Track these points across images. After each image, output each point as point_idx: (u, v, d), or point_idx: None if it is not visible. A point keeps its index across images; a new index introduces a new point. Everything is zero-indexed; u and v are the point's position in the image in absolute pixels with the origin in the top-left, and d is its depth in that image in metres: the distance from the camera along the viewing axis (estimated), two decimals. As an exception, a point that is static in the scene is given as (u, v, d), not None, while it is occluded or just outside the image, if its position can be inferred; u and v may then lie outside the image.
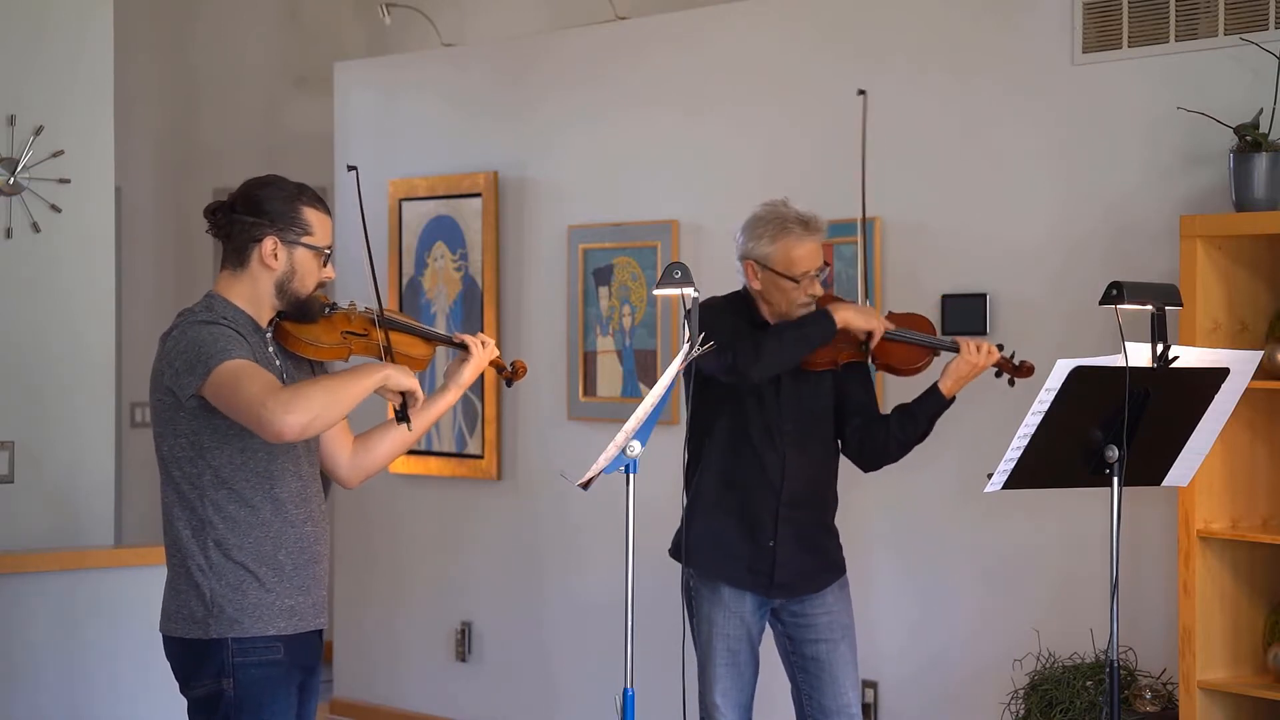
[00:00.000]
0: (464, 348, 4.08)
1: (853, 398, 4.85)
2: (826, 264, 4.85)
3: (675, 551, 4.88)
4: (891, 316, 4.87)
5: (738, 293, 4.91)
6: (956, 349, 4.77)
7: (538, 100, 7.21)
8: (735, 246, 4.86)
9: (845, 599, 4.91)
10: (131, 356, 8.52)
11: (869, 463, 4.92)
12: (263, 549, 3.82)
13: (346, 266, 4.08)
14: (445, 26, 7.94)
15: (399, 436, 4.06)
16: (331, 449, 4.06)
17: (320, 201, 3.93)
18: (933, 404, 4.78)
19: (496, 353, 4.11)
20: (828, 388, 4.85)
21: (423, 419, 4.01)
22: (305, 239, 3.87)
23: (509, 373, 4.16)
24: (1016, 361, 4.80)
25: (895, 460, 4.90)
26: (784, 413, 4.80)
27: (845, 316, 4.70)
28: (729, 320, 4.78)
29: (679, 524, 4.88)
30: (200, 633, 3.80)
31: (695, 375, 4.81)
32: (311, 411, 3.63)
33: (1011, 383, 4.81)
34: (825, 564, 4.89)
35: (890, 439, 4.82)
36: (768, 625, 4.91)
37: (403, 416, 3.88)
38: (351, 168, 4.13)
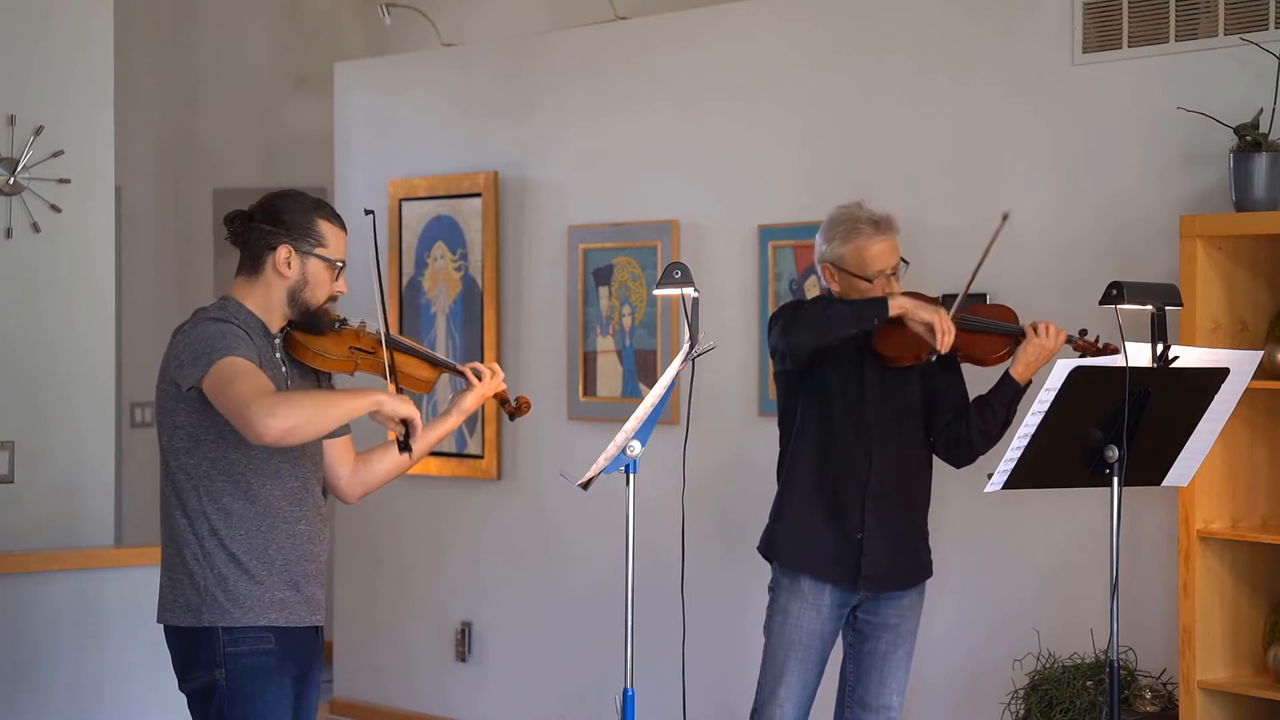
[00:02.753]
0: (451, 369, 4.14)
1: (941, 395, 4.86)
2: (905, 261, 4.85)
3: (764, 548, 4.94)
4: (976, 308, 4.84)
5: (821, 297, 4.95)
6: (1022, 333, 4.74)
7: (538, 100, 7.22)
8: (814, 251, 4.89)
9: (919, 605, 4.94)
10: (131, 356, 8.52)
11: (957, 458, 4.91)
12: (254, 543, 3.87)
13: (351, 283, 4.08)
14: (445, 26, 7.94)
15: (399, 459, 4.12)
16: (333, 463, 4.12)
17: (337, 217, 4.01)
18: (1007, 391, 4.77)
19: (503, 386, 4.15)
20: (915, 384, 4.85)
21: (422, 443, 4.07)
22: (319, 250, 3.94)
23: (512, 407, 4.20)
24: (1100, 344, 4.70)
25: (983, 452, 4.87)
26: (869, 407, 4.82)
27: (902, 303, 4.65)
28: (803, 307, 4.84)
29: (768, 520, 4.94)
30: (193, 620, 3.86)
31: (782, 373, 4.84)
32: (294, 420, 3.67)
33: None
34: (913, 564, 4.91)
35: (972, 431, 4.82)
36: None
37: (405, 446, 3.94)
38: (369, 212, 4.15)
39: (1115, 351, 4.46)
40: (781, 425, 4.94)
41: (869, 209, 4.83)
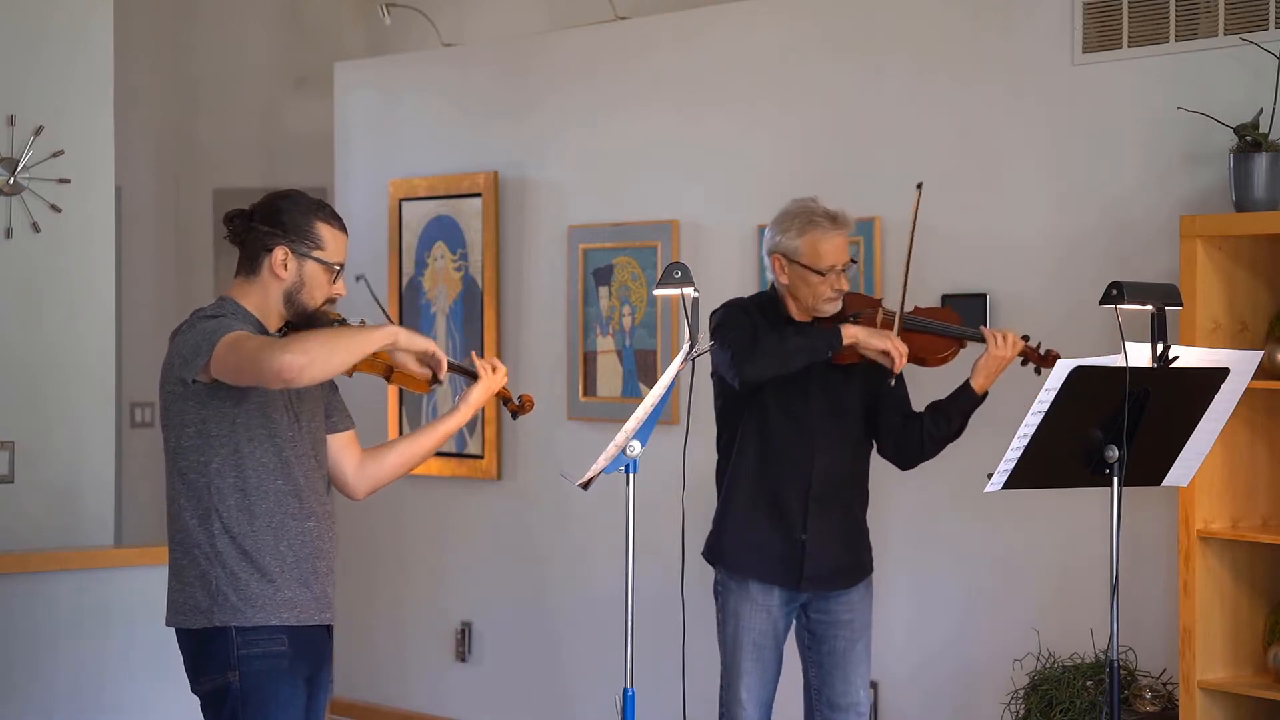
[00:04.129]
0: (468, 373, 4.14)
1: (886, 395, 4.86)
2: (853, 261, 4.87)
3: (709, 554, 4.94)
4: (918, 310, 4.89)
5: (764, 293, 4.96)
6: (982, 339, 4.80)
7: (538, 100, 7.22)
8: (764, 242, 4.89)
9: (869, 598, 4.96)
10: (131, 356, 8.52)
11: (905, 460, 4.95)
12: (265, 540, 3.85)
13: (350, 283, 4.10)
14: (445, 26, 7.94)
15: (409, 450, 4.14)
16: (338, 458, 4.10)
17: (337, 219, 3.99)
18: (964, 400, 4.82)
19: (505, 381, 4.16)
20: (858, 384, 4.87)
21: (433, 436, 4.12)
22: (316, 253, 3.93)
23: (515, 405, 4.23)
24: (1042, 351, 4.82)
25: (930, 457, 4.93)
26: (811, 407, 4.83)
27: (854, 333, 4.71)
28: (747, 318, 4.82)
29: (711, 526, 4.95)
30: (205, 621, 3.83)
31: (718, 377, 4.86)
32: (310, 353, 3.67)
33: (1038, 371, 4.82)
34: (855, 562, 4.94)
35: (925, 436, 4.86)
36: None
37: (434, 379, 4.02)
38: (359, 277, 4.16)
39: (1056, 359, 4.56)
40: (720, 428, 4.92)
41: (824, 203, 4.85)
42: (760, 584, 4.85)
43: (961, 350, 4.87)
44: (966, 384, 4.81)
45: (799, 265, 4.79)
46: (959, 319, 4.92)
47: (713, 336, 4.84)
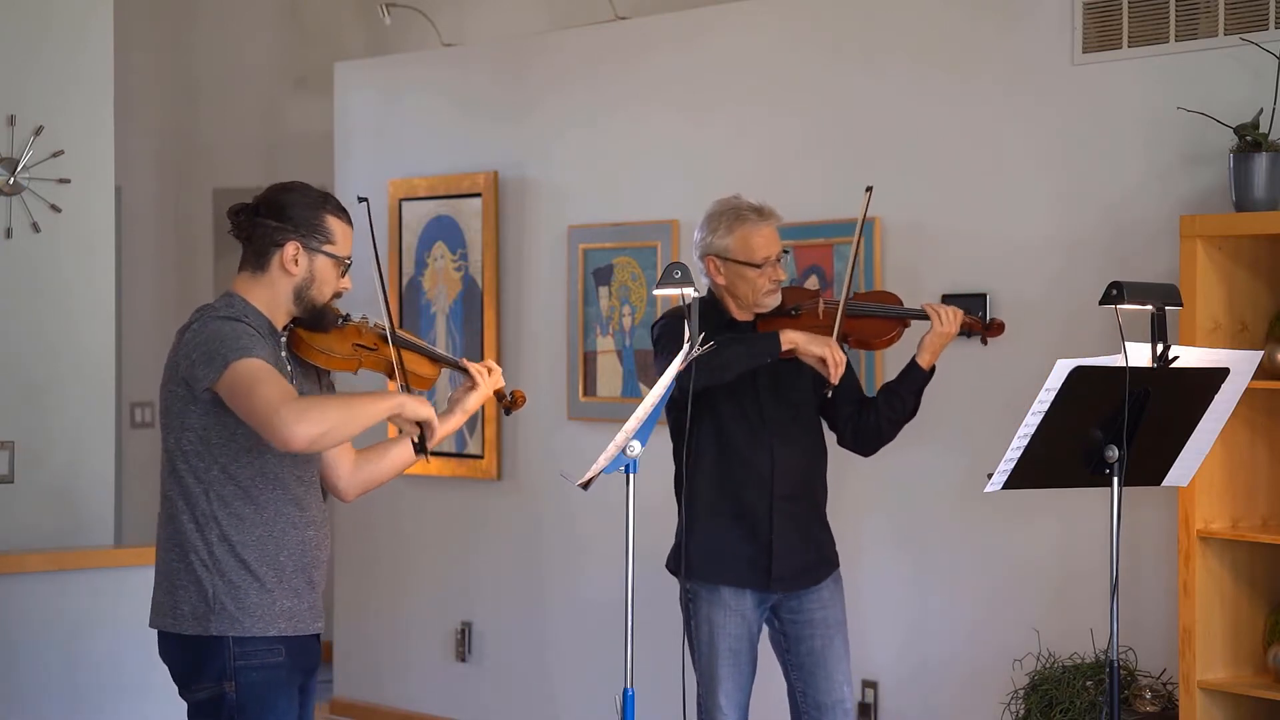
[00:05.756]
0: (469, 373, 4.10)
1: (839, 386, 4.85)
2: (786, 250, 4.88)
3: (672, 564, 4.89)
4: (858, 296, 4.92)
5: (702, 298, 4.90)
6: (925, 316, 4.82)
7: (538, 100, 7.22)
8: (694, 248, 4.89)
9: (839, 593, 4.94)
10: (131, 356, 8.53)
11: (865, 447, 4.96)
12: (265, 548, 3.81)
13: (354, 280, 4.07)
14: (445, 26, 7.94)
15: (402, 455, 4.09)
16: (331, 461, 4.05)
17: (344, 212, 3.95)
18: (914, 378, 4.85)
19: (501, 382, 4.12)
20: (808, 378, 4.86)
21: (429, 442, 4.05)
22: (326, 247, 3.89)
23: (508, 401, 4.20)
24: (987, 320, 4.89)
25: (889, 440, 4.94)
26: (764, 405, 4.82)
27: (793, 338, 4.70)
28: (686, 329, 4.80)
29: (674, 536, 4.90)
30: (200, 629, 3.78)
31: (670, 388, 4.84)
32: (324, 425, 3.64)
33: (984, 341, 4.92)
34: (820, 558, 4.92)
35: (881, 419, 4.88)
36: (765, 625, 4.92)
37: (420, 448, 3.94)
38: (362, 199, 4.12)
39: (1002, 328, 4.76)
40: (674, 436, 4.86)
41: (748, 198, 4.86)
42: (732, 589, 4.82)
43: (905, 330, 4.88)
44: (914, 362, 4.84)
45: (733, 262, 4.79)
46: (900, 300, 4.94)
47: (654, 348, 4.84)
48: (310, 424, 3.61)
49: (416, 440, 3.93)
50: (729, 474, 4.82)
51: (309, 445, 3.64)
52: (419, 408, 3.83)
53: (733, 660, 4.82)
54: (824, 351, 4.68)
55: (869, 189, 4.84)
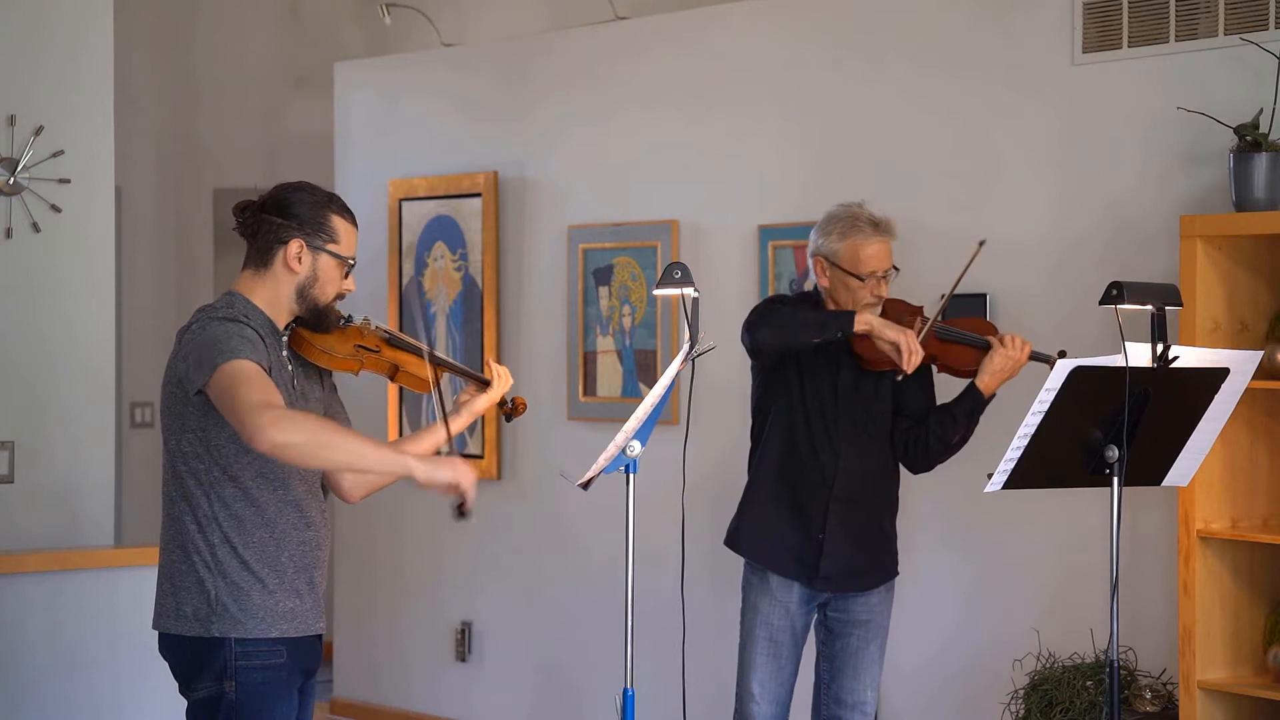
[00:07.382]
0: (471, 377, 4.10)
1: (906, 400, 4.87)
2: (896, 268, 4.85)
3: (729, 540, 4.97)
4: (953, 321, 4.86)
5: (808, 293, 4.97)
6: (990, 346, 4.76)
7: (538, 100, 7.22)
8: (809, 244, 4.89)
9: (889, 603, 4.96)
10: (131, 356, 8.52)
11: (913, 463, 4.94)
12: (266, 550, 3.81)
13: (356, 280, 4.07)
14: (445, 26, 7.94)
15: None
16: None
17: (349, 212, 3.93)
18: (971, 402, 4.79)
19: (509, 388, 4.13)
20: (888, 389, 4.86)
21: (431, 440, 4.08)
22: (330, 246, 3.87)
23: (509, 408, 4.21)
24: (1059, 351, 4.80)
25: (940, 461, 4.91)
26: (841, 410, 4.84)
27: (869, 320, 4.68)
28: (786, 306, 4.86)
29: (734, 513, 4.98)
30: (201, 630, 3.78)
31: (757, 365, 4.86)
32: (298, 437, 3.56)
33: (1051, 365, 4.81)
34: (875, 565, 4.93)
35: (931, 439, 4.84)
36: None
37: (460, 513, 3.81)
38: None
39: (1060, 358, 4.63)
40: (755, 416, 4.96)
41: (870, 209, 4.84)
42: (780, 579, 4.86)
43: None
44: (972, 385, 4.78)
45: (839, 269, 4.79)
46: (994, 329, 4.86)
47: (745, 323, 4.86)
48: (283, 431, 3.55)
49: (454, 505, 3.78)
50: (792, 467, 4.86)
51: (272, 449, 3.56)
52: (432, 471, 3.73)
53: (771, 650, 4.85)
54: (899, 337, 4.64)
55: (982, 242, 4.76)
